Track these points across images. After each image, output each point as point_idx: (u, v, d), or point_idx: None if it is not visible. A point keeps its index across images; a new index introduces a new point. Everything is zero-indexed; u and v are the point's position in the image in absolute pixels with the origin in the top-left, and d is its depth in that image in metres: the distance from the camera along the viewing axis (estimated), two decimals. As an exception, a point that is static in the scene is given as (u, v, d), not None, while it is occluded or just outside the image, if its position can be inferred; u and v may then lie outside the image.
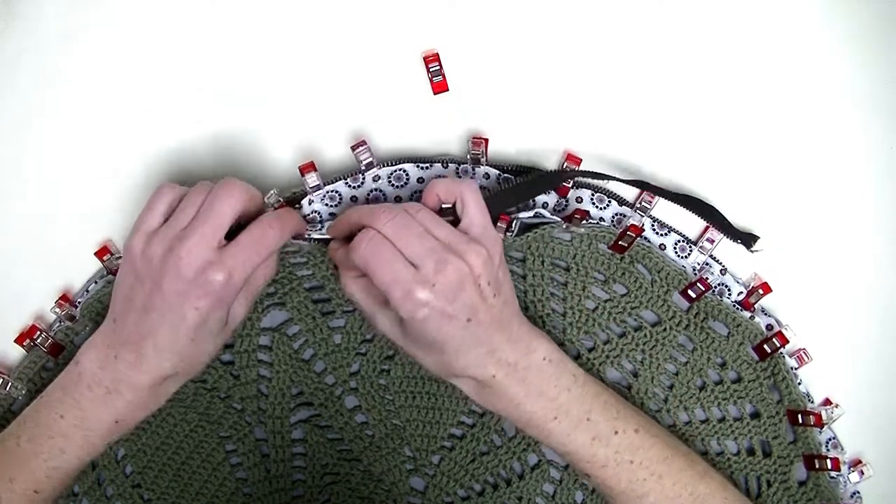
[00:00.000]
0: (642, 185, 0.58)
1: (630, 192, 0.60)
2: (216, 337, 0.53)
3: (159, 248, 0.50)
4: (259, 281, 0.54)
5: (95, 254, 0.59)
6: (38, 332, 0.58)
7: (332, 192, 0.58)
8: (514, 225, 0.57)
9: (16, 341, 0.58)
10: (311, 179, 0.57)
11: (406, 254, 0.49)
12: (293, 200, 0.58)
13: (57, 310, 0.59)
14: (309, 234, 0.56)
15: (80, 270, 0.60)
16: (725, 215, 0.59)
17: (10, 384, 0.57)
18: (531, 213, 0.57)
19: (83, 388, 0.52)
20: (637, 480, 0.53)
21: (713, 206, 0.59)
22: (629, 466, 0.53)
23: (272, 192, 0.55)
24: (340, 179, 0.58)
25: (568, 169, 0.58)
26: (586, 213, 0.58)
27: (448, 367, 0.52)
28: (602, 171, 0.59)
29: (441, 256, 0.49)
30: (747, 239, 0.59)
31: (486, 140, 0.59)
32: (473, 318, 0.50)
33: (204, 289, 0.49)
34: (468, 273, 0.50)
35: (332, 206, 0.58)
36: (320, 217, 0.57)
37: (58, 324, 0.59)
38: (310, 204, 0.58)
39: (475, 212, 0.52)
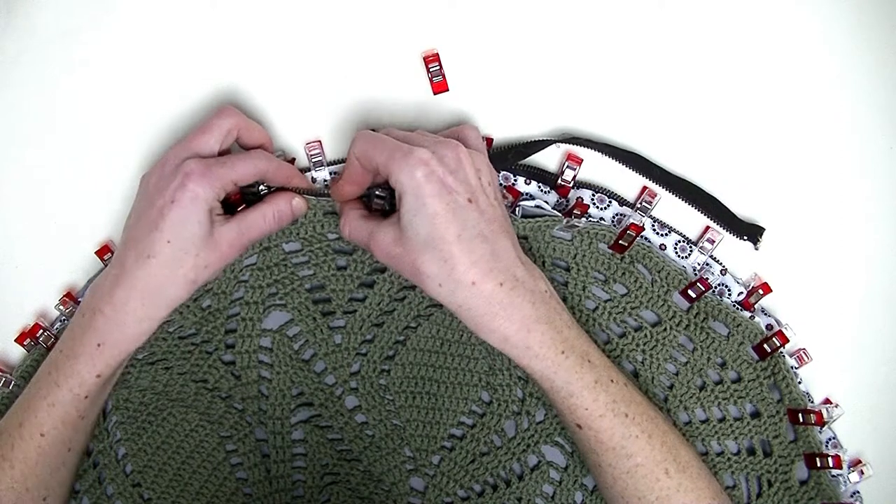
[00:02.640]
0: (641, 164, 0.59)
1: (631, 193, 0.60)
2: (199, 249, 0.51)
3: (154, 167, 0.53)
4: (258, 218, 0.54)
5: (96, 253, 0.59)
6: (42, 331, 0.58)
7: (334, 173, 0.59)
8: (517, 210, 0.57)
9: (17, 340, 0.59)
10: (315, 154, 0.58)
11: (405, 142, 0.51)
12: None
13: (61, 307, 0.59)
14: (320, 189, 0.57)
15: (81, 270, 0.60)
16: (729, 208, 0.59)
17: (13, 383, 0.58)
18: (532, 204, 0.57)
19: (78, 318, 0.53)
20: (629, 437, 0.52)
21: (716, 198, 0.59)
22: (624, 419, 0.52)
23: (279, 152, 0.58)
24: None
25: (568, 167, 0.58)
26: (587, 207, 0.58)
27: (451, 271, 0.49)
28: (604, 173, 0.60)
29: (439, 139, 0.51)
30: (753, 233, 0.59)
31: (491, 139, 0.59)
32: (474, 201, 0.50)
33: (180, 178, 0.50)
34: (467, 156, 0.51)
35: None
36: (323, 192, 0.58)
37: (60, 322, 0.59)
38: (313, 182, 0.58)
39: (476, 145, 0.54)
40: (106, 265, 0.59)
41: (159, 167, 0.52)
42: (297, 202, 0.56)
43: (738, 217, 0.59)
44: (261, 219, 0.54)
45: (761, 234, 0.59)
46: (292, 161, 0.59)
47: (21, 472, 0.52)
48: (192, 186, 0.50)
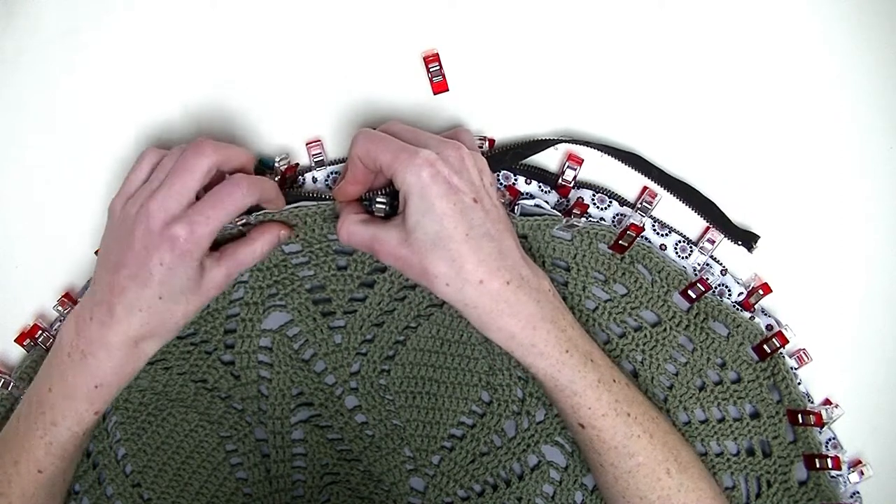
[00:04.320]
0: (640, 163, 0.59)
1: (631, 193, 0.60)
2: (188, 297, 0.52)
3: (134, 206, 0.51)
4: (247, 258, 0.54)
5: (96, 253, 0.59)
6: (41, 332, 0.58)
7: (335, 173, 0.59)
8: (516, 209, 0.57)
9: (16, 341, 0.59)
10: (316, 153, 0.58)
11: (407, 141, 0.51)
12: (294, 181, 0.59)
13: (59, 308, 0.59)
14: (318, 195, 0.57)
15: (81, 269, 0.60)
16: (725, 213, 0.59)
17: (11, 384, 0.58)
18: (532, 203, 0.58)
19: (63, 357, 0.52)
20: (631, 436, 0.52)
21: (713, 203, 0.59)
22: (626, 419, 0.52)
23: (285, 155, 0.58)
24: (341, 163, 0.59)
25: (569, 167, 0.58)
26: (587, 207, 0.58)
27: (459, 270, 0.49)
28: (604, 173, 0.60)
29: (442, 140, 0.51)
30: (747, 239, 0.59)
31: (493, 140, 0.59)
32: (479, 201, 0.50)
33: (168, 242, 0.50)
34: (469, 156, 0.51)
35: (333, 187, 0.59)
36: (325, 196, 0.58)
37: (59, 322, 0.59)
38: (314, 181, 0.59)
39: (470, 147, 0.54)
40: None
41: (144, 220, 0.50)
42: (284, 235, 0.56)
43: (734, 223, 0.59)
44: (249, 255, 0.54)
45: (756, 241, 0.59)
46: (295, 166, 0.59)
47: None
48: (182, 249, 0.50)
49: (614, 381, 0.53)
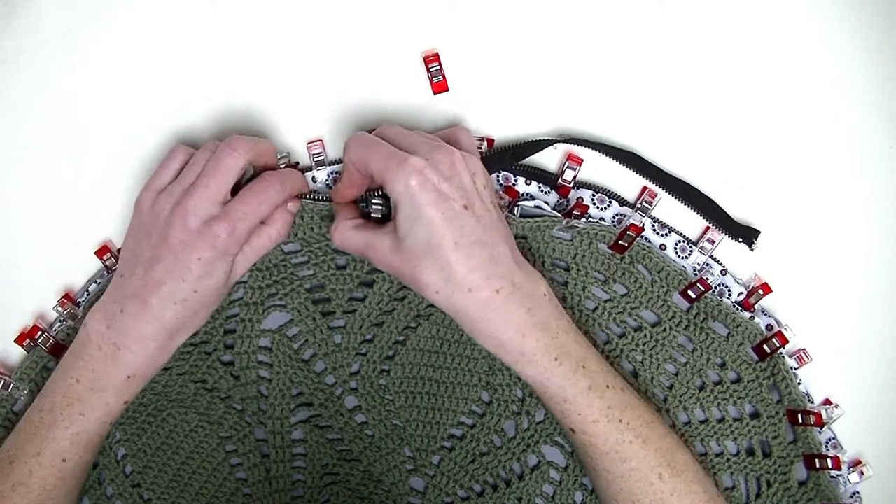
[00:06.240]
0: (639, 163, 0.59)
1: (631, 193, 0.60)
2: (219, 289, 0.53)
3: (167, 202, 0.52)
4: (265, 242, 0.55)
5: (95, 253, 0.59)
6: (40, 332, 0.58)
7: (335, 172, 0.59)
8: (515, 210, 0.57)
9: (16, 341, 0.59)
10: (317, 153, 0.58)
11: (400, 146, 0.51)
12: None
13: (59, 309, 0.59)
14: (315, 196, 0.57)
15: (81, 270, 0.60)
16: (724, 209, 0.59)
17: (11, 385, 0.58)
18: (532, 204, 0.58)
19: (93, 350, 0.53)
20: (623, 442, 0.52)
21: (712, 200, 0.59)
22: (618, 425, 0.52)
23: (285, 153, 0.58)
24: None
25: (569, 167, 0.58)
26: (587, 208, 0.58)
27: (448, 278, 0.49)
28: (604, 173, 0.60)
29: (435, 144, 0.51)
30: (748, 235, 0.59)
31: (492, 140, 0.59)
32: (470, 208, 0.50)
33: (208, 241, 0.51)
34: (461, 160, 0.51)
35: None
36: (322, 197, 0.58)
37: (59, 323, 0.59)
38: (314, 181, 0.59)
39: (469, 147, 0.54)
40: (106, 264, 0.59)
41: (181, 218, 0.51)
42: (292, 206, 0.56)
43: (734, 219, 0.59)
44: (267, 240, 0.55)
45: (756, 237, 0.59)
46: (295, 165, 0.59)
47: (39, 496, 0.53)
48: (222, 249, 0.51)
49: (608, 386, 0.53)
